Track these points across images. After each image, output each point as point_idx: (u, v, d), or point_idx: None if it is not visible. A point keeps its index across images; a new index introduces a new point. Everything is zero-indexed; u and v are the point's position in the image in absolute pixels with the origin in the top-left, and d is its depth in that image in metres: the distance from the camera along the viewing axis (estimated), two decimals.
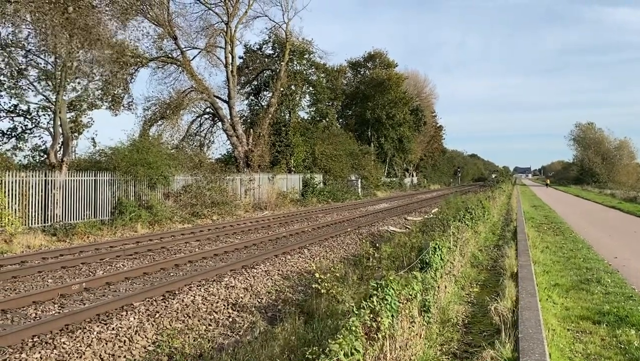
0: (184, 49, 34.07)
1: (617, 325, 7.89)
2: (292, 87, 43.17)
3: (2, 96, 22.00)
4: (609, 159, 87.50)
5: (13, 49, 20.98)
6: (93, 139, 25.00)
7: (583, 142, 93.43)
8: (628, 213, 31.68)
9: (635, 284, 10.77)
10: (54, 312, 9.16)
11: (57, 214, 19.50)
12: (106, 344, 7.71)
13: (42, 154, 23.38)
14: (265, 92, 43.63)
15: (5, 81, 21.45)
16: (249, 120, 42.07)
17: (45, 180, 19.42)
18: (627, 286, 10.64)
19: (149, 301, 9.90)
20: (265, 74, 42.81)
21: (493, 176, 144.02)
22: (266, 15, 42.10)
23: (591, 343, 7.14)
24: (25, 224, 18.12)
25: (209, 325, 9.10)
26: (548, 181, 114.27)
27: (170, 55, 33.98)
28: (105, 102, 26.04)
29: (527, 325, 6.85)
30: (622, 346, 6.98)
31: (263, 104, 43.00)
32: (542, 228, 21.63)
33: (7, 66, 21.16)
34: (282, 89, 40.50)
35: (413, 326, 6.17)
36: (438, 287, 8.11)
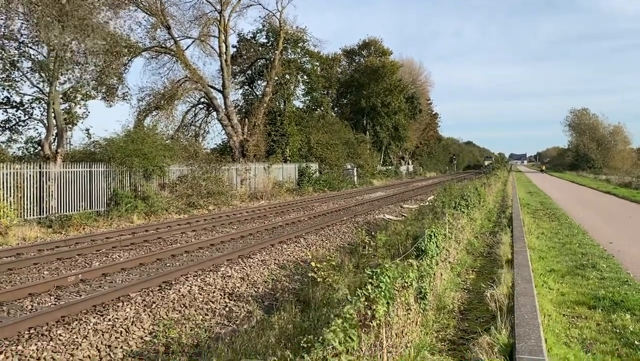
0: (178, 39, 33.91)
1: (613, 309, 7.93)
2: (287, 76, 43.00)
3: None
4: (603, 144, 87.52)
5: (6, 40, 20.82)
6: (87, 130, 24.95)
7: (578, 128, 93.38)
8: (623, 198, 31.78)
9: (630, 269, 10.81)
10: (50, 304, 9.15)
11: (52, 206, 19.44)
12: (103, 335, 7.70)
13: (36, 146, 23.29)
14: (259, 82, 43.45)
15: None
16: (243, 110, 41.94)
17: (40, 172, 19.35)
18: (623, 271, 10.68)
19: (145, 291, 9.89)
20: (259, 63, 42.61)
21: (486, 163, 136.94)
22: (259, 4, 41.86)
23: (587, 328, 7.17)
24: (20, 217, 18.08)
25: (206, 314, 9.10)
26: (543, 167, 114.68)
27: (163, 45, 33.79)
28: (100, 92, 25.92)
29: (523, 310, 6.87)
30: (618, 331, 7.01)
31: (257, 93, 42.88)
32: (537, 214, 21.68)
33: (0, 58, 21.01)
34: (276, 78, 40.35)
35: (409, 313, 6.18)
36: (434, 274, 8.12)
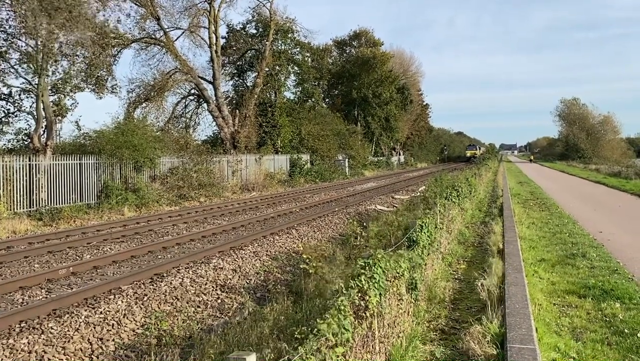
0: (167, 30, 33.61)
1: (603, 298, 7.99)
2: (277, 67, 42.81)
3: None
4: (593, 134, 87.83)
5: None
6: (77, 122, 24.71)
7: (568, 118, 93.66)
8: (612, 187, 31.98)
9: (620, 258, 10.90)
10: (41, 297, 9.11)
11: (42, 199, 19.31)
12: (94, 328, 7.68)
13: (26, 138, 23.07)
14: (249, 73, 43.27)
15: None
16: (234, 101, 41.75)
17: (30, 164, 19.21)
18: (612, 260, 10.76)
19: (137, 284, 9.86)
20: (249, 54, 42.39)
21: (468, 153, 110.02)
22: None
23: (577, 317, 7.22)
24: (10, 210, 17.95)
25: (198, 306, 9.09)
26: (532, 157, 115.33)
27: (153, 36, 33.50)
28: (90, 84, 25.67)
29: (514, 300, 6.91)
30: (607, 320, 7.07)
31: (248, 84, 42.68)
32: (528, 204, 21.79)
33: None
34: (267, 69, 40.18)
35: (401, 303, 6.20)
36: (425, 265, 8.14)
